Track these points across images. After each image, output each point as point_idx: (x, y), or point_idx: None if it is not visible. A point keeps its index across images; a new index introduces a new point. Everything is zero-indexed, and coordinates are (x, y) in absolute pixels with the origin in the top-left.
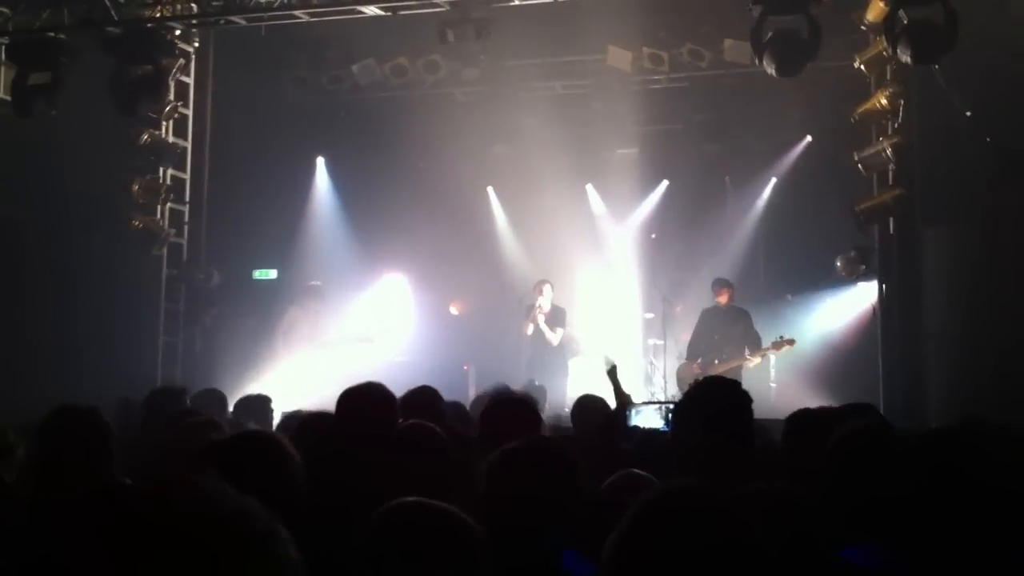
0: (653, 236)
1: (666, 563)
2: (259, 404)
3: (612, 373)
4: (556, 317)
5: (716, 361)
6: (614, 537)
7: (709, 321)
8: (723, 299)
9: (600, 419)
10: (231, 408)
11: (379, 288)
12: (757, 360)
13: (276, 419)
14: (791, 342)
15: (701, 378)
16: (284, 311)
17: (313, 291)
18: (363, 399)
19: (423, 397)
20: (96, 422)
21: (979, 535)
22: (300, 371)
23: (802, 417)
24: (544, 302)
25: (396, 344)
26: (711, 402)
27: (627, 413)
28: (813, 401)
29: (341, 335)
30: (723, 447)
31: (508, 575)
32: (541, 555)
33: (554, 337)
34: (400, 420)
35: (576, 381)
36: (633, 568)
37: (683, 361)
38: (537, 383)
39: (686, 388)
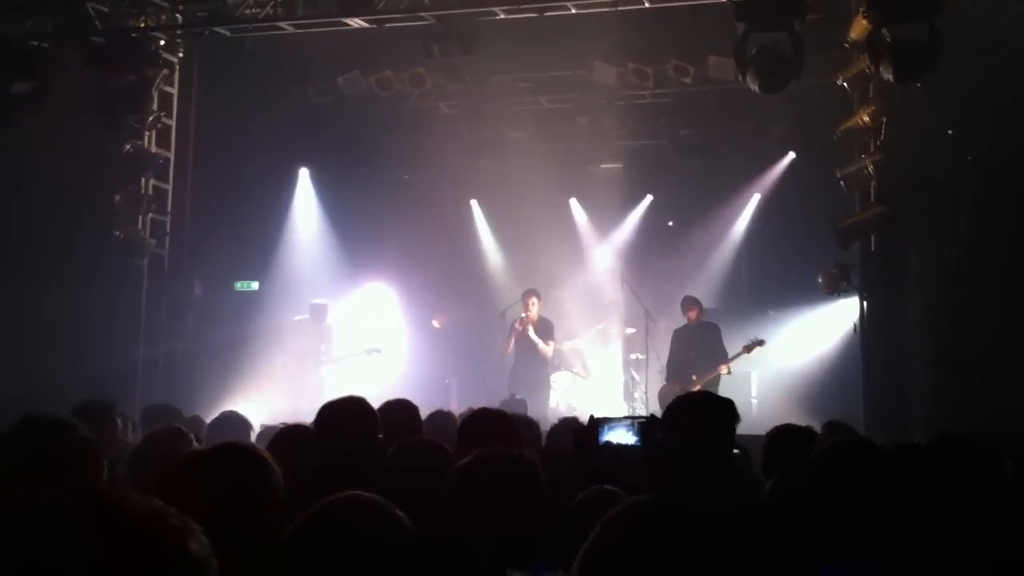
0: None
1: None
2: (236, 422)
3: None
4: (544, 330)
5: (694, 376)
6: (585, 547)
7: (682, 340)
8: (693, 315)
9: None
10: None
11: (361, 296)
12: (726, 369)
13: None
14: (761, 342)
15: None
16: (283, 326)
17: (319, 310)
18: (344, 414)
19: (401, 411)
20: (66, 433)
21: (956, 548)
22: (285, 386)
23: (783, 432)
24: (532, 313)
25: (391, 355)
26: (690, 416)
27: (599, 429)
28: (794, 416)
29: (348, 349)
30: (701, 461)
31: None
32: (504, 566)
33: (547, 349)
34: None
35: (558, 395)
36: None
37: (664, 383)
38: (518, 397)
39: None
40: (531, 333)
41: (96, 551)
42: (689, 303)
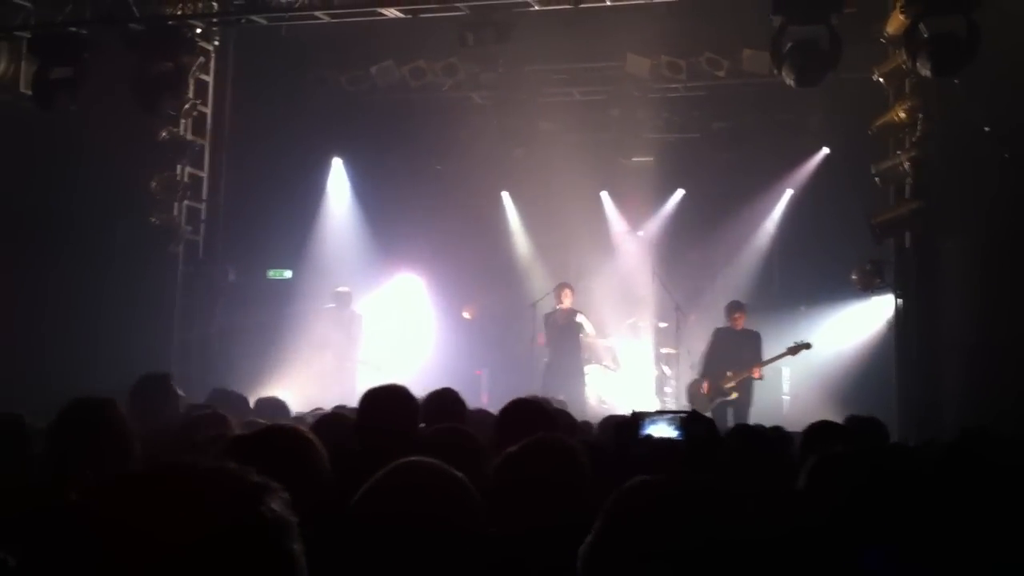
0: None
1: (642, 553)
2: (277, 406)
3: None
4: (574, 315)
5: (728, 373)
6: (595, 527)
7: (723, 341)
8: (739, 322)
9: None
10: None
11: (392, 286)
12: (759, 374)
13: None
14: (808, 346)
15: (711, 394)
16: (313, 317)
17: (342, 297)
18: (387, 400)
19: (445, 400)
20: (111, 414)
21: (986, 544)
22: (308, 374)
23: (821, 429)
24: (565, 305)
25: (407, 364)
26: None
27: (640, 423)
28: (827, 413)
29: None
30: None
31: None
32: (550, 553)
33: (587, 326)
34: (422, 423)
35: (589, 387)
36: (610, 561)
37: (695, 377)
38: (560, 397)
39: (695, 404)
40: (580, 318)
41: (182, 511)
42: (736, 307)
